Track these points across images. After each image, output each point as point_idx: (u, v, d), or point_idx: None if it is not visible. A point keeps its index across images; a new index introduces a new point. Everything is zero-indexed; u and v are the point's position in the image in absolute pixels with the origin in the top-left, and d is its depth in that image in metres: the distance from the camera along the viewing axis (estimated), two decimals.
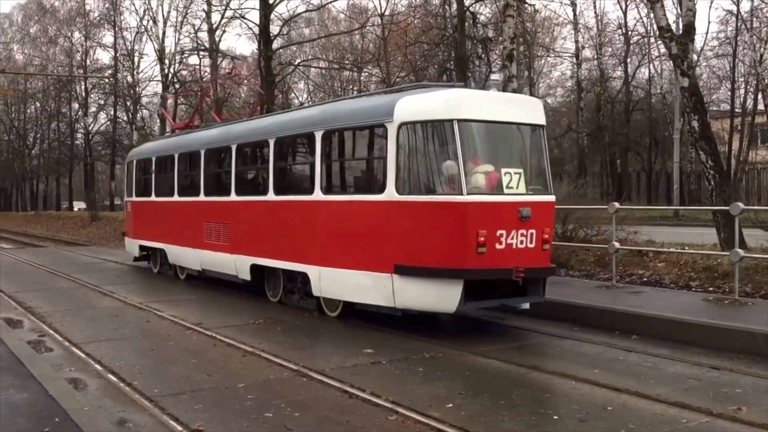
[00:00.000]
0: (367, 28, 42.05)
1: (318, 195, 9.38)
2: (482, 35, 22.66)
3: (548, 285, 8.57)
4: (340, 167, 9.66)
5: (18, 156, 65.65)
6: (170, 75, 44.98)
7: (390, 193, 8.20)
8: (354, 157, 9.56)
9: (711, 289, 9.70)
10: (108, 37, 50.46)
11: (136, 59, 48.89)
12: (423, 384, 6.26)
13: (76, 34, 53.79)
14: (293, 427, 5.14)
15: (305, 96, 59.85)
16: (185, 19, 43.50)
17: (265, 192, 10.65)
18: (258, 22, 28.98)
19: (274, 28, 30.06)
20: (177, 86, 45.59)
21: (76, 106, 56.41)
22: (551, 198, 8.68)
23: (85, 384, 6.35)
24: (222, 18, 38.30)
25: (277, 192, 10.36)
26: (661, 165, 40.64)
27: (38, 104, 62.64)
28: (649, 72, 39.46)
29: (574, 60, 39.84)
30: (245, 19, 33.74)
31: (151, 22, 45.55)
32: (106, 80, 48.78)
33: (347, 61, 49.93)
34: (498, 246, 7.81)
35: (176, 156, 13.96)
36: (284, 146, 10.61)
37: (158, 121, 48.98)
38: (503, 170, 8.06)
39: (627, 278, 10.92)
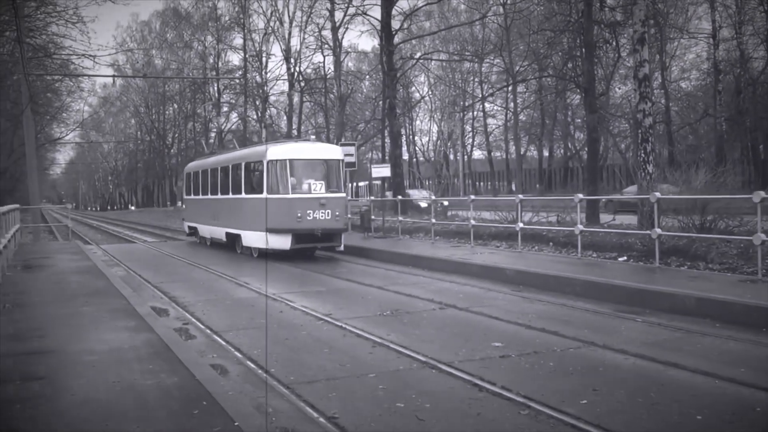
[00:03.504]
0: (489, 17, 41.48)
1: (243, 194, 17.93)
2: (610, 19, 21.77)
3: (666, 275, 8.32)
4: (250, 180, 17.72)
5: (158, 155, 70.07)
6: (296, 73, 46.36)
7: (265, 194, 16.55)
8: (254, 176, 17.58)
9: None
10: (238, 40, 52.78)
11: (263, 59, 50.83)
12: (554, 378, 6.14)
13: (209, 38, 56.67)
14: (425, 417, 5.19)
15: (426, 89, 60.04)
16: (309, 19, 44.68)
17: (228, 193, 19.10)
18: (379, 18, 29.32)
19: (395, 23, 30.32)
20: (302, 84, 46.99)
21: (209, 106, 59.42)
22: (341, 195, 17.17)
23: (227, 370, 6.69)
24: (345, 16, 39.00)
25: (233, 193, 18.78)
26: None
27: (176, 106, 66.50)
28: None
29: (711, 40, 37.56)
30: (367, 15, 34.22)
31: (277, 23, 47.20)
32: (237, 81, 51.03)
33: (468, 53, 49.54)
34: (308, 218, 16.13)
35: (200, 171, 22.52)
36: (236, 168, 18.69)
37: (285, 118, 50.70)
38: (312, 182, 16.67)
39: None
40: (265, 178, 16.52)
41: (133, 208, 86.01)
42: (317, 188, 16.59)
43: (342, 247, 17.02)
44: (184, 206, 25.53)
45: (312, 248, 17.09)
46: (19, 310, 9.23)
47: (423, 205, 25.65)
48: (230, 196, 18.88)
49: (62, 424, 4.74)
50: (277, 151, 16.77)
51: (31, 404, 5.12)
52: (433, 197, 21.86)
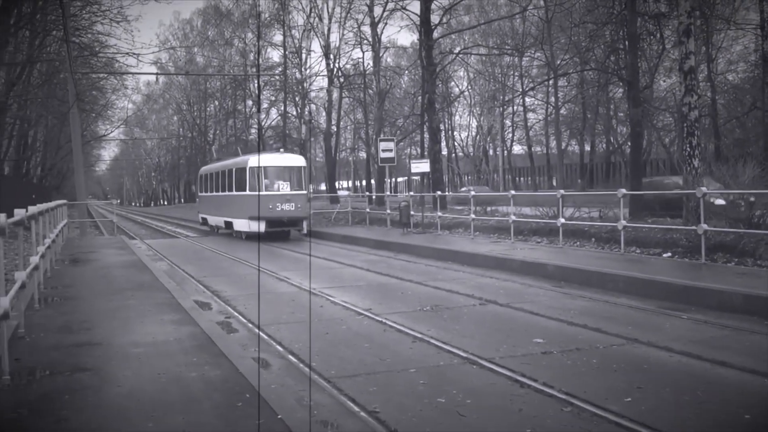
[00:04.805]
0: (529, 10, 41.01)
1: (234, 192, 23.28)
2: (654, 10, 21.35)
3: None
4: (238, 181, 23.09)
5: (200, 151, 70.93)
6: (335, 69, 46.45)
7: (248, 191, 21.91)
8: (241, 179, 22.70)
9: None
10: (278, 36, 53.10)
11: (303, 56, 51.06)
12: (598, 376, 6.06)
13: (249, 35, 57.07)
14: (466, 413, 5.17)
15: (465, 84, 59.70)
16: (348, 14, 44.75)
17: (225, 190, 24.77)
18: (419, 13, 29.23)
19: (434, 18, 30.19)
20: (341, 80, 47.10)
21: (249, 103, 59.97)
22: (302, 192, 22.17)
23: (269, 363, 6.76)
24: (384, 11, 38.98)
25: (228, 191, 24.27)
26: None
27: (217, 103, 67.23)
28: None
29: (759, 31, 36.52)
30: (406, 10, 34.11)
31: (317, 19, 47.36)
32: (277, 77, 51.38)
33: (508, 46, 49.10)
34: (278, 209, 21.44)
35: (208, 174, 28.53)
36: (229, 172, 24.29)
37: (324, 114, 50.90)
38: (281, 183, 22.02)
39: None
40: (248, 180, 22.27)
41: (182, 202, 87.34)
42: (284, 187, 22.21)
43: (305, 231, 22.82)
44: (198, 201, 32.21)
45: (281, 231, 22.62)
46: (67, 302, 9.46)
47: (720, 202, 16.60)
48: (227, 193, 24.57)
49: (109, 415, 4.84)
50: (255, 160, 22.72)
51: (79, 395, 5.25)
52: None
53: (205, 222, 29.18)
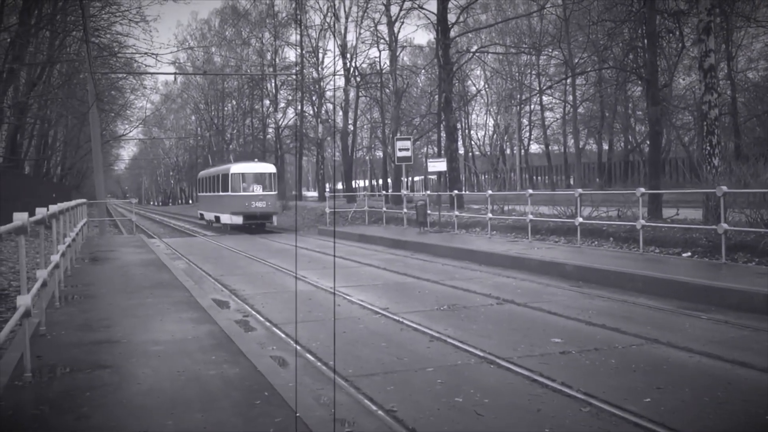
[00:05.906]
0: (547, 9, 40.79)
1: (221, 192, 29.79)
2: (674, 8, 21.16)
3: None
4: (223, 183, 29.44)
5: (218, 151, 71.21)
6: (352, 68, 46.48)
7: (230, 191, 28.68)
8: (226, 181, 29.09)
9: None
10: (294, 36, 53.18)
11: (320, 55, 51.13)
12: (616, 376, 6.02)
13: (266, 35, 57.23)
14: (484, 413, 5.16)
15: (482, 83, 59.49)
16: (365, 14, 44.75)
17: (215, 191, 30.91)
18: (436, 12, 29.20)
19: (451, 17, 30.13)
20: (358, 79, 47.12)
21: (267, 102, 60.13)
22: (272, 192, 28.88)
23: (286, 362, 6.79)
24: (400, 10, 38.94)
25: (216, 191, 30.71)
26: None
27: (234, 102, 67.49)
28: None
29: None
30: (423, 9, 34.04)
31: (333, 18, 47.40)
32: (294, 77, 51.48)
33: (525, 45, 48.85)
34: (252, 206, 28.01)
35: (206, 177, 34.18)
36: (217, 177, 30.78)
37: (341, 113, 50.95)
38: (255, 185, 28.75)
39: None
40: (230, 183, 28.54)
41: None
42: (258, 189, 28.44)
43: (275, 223, 28.73)
44: (198, 199, 39.70)
45: (255, 223, 28.02)
46: (87, 300, 9.55)
47: None
48: (215, 193, 30.85)
49: (129, 412, 4.88)
50: (236, 167, 29.27)
51: (100, 392, 5.30)
52: None
53: (202, 217, 35.35)
